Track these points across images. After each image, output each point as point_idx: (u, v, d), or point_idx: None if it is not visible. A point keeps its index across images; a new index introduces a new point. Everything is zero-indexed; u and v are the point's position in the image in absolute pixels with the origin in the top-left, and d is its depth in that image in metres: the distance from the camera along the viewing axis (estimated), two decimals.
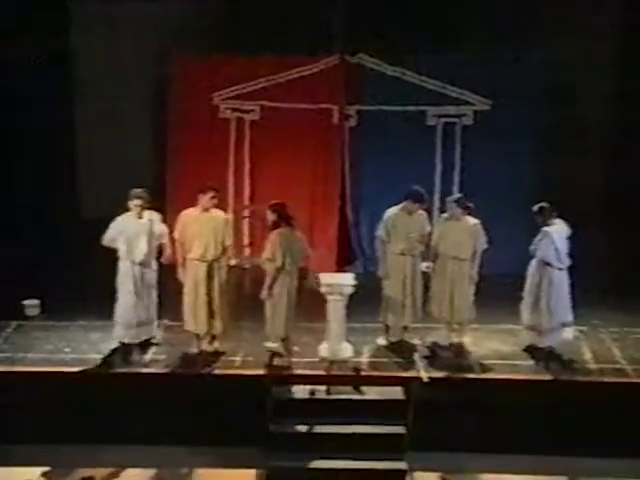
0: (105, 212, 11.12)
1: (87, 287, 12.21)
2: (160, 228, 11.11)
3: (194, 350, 11.00)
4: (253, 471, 10.23)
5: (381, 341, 11.35)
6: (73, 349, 11.09)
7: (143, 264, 10.99)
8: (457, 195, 11.52)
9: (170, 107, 14.16)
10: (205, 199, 10.80)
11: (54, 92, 14.21)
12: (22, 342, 11.31)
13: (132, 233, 10.91)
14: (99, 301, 11.13)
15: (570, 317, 10.97)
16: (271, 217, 10.67)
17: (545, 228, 10.81)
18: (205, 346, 11.03)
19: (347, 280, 10.80)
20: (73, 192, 14.64)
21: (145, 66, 14.36)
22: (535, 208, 10.90)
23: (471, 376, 10.62)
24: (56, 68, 14.36)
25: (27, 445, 10.20)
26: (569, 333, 11.02)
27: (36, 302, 12.07)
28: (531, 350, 11.06)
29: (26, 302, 12.05)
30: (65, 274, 12.91)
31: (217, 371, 10.66)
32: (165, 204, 13.54)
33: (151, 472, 10.10)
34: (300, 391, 10.40)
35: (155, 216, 11.13)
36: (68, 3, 14.54)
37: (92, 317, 11.55)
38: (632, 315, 12.13)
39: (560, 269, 10.85)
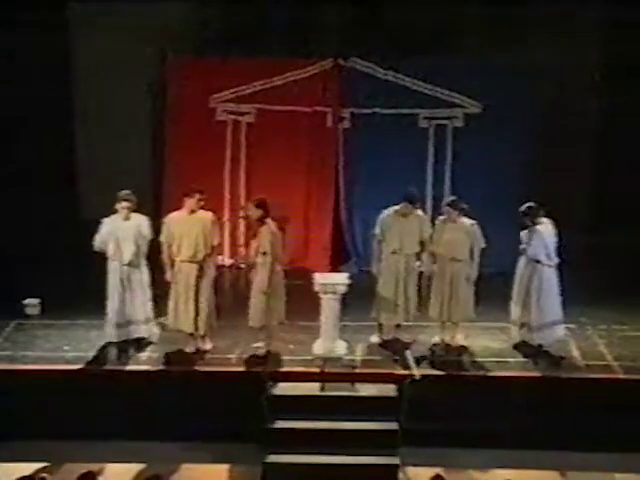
0: (104, 212, 11.23)
1: (86, 286, 12.33)
2: (146, 229, 11.23)
3: (190, 348, 11.15)
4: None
5: (374, 339, 11.48)
6: (73, 347, 11.25)
7: (131, 265, 11.15)
8: (451, 198, 11.59)
9: (167, 109, 14.26)
10: (192, 202, 10.92)
11: (52, 92, 14.32)
12: (22, 340, 11.47)
13: (120, 235, 11.05)
14: (98, 300, 11.21)
15: (560, 315, 11.12)
16: (257, 212, 10.84)
17: (535, 227, 10.97)
18: (200, 344, 11.19)
19: (341, 279, 10.96)
20: (72, 192, 14.69)
21: (142, 68, 14.39)
22: (522, 208, 11.05)
23: (463, 373, 10.77)
24: (54, 68, 14.45)
25: (27, 442, 10.33)
26: (560, 331, 11.19)
27: (36, 301, 12.22)
28: (521, 347, 11.20)
29: (26, 301, 12.20)
30: (64, 273, 13.05)
31: (213, 368, 10.79)
32: (162, 205, 13.72)
33: (145, 468, 10.20)
34: (295, 388, 10.52)
35: (142, 218, 11.25)
36: (66, 4, 14.57)
37: (91, 316, 11.65)
38: (619, 313, 12.28)
39: (550, 267, 11.03)
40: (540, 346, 11.13)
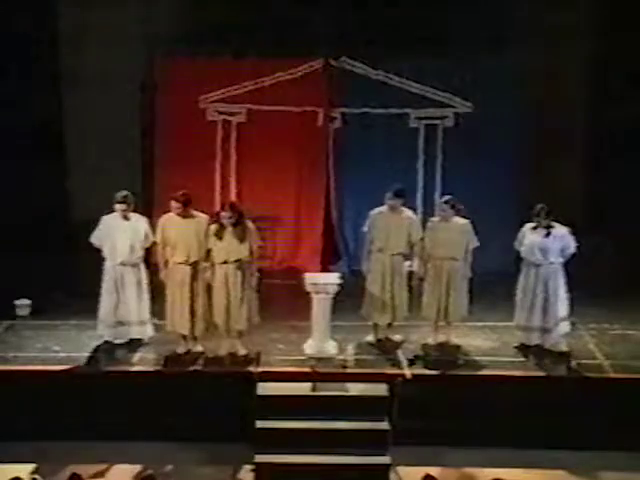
0: (94, 214, 11.27)
1: (78, 286, 12.34)
2: (145, 231, 11.21)
3: (181, 349, 11.15)
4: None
5: (370, 338, 11.48)
6: (64, 348, 11.24)
7: (125, 265, 11.12)
8: (448, 197, 11.52)
9: (157, 110, 14.26)
10: (176, 208, 10.87)
11: (43, 95, 14.33)
12: (13, 341, 11.47)
13: (115, 234, 11.04)
14: (90, 300, 11.23)
15: (566, 312, 11.17)
16: (233, 217, 10.83)
17: (555, 228, 10.96)
18: (192, 345, 11.18)
19: (332, 279, 10.98)
20: (63, 193, 14.69)
21: (132, 69, 14.41)
22: (543, 209, 10.94)
23: (455, 372, 10.78)
24: (45, 70, 14.45)
25: (18, 443, 10.30)
26: (565, 327, 11.21)
27: (27, 302, 12.23)
28: (517, 347, 11.22)
29: (17, 302, 12.21)
30: (56, 273, 13.04)
31: (204, 369, 10.82)
32: (153, 206, 13.72)
33: (137, 468, 10.19)
34: (286, 388, 10.50)
35: (141, 219, 11.24)
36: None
37: (83, 316, 11.64)
38: (609, 312, 12.34)
39: (556, 267, 11.07)
40: (536, 346, 11.13)
